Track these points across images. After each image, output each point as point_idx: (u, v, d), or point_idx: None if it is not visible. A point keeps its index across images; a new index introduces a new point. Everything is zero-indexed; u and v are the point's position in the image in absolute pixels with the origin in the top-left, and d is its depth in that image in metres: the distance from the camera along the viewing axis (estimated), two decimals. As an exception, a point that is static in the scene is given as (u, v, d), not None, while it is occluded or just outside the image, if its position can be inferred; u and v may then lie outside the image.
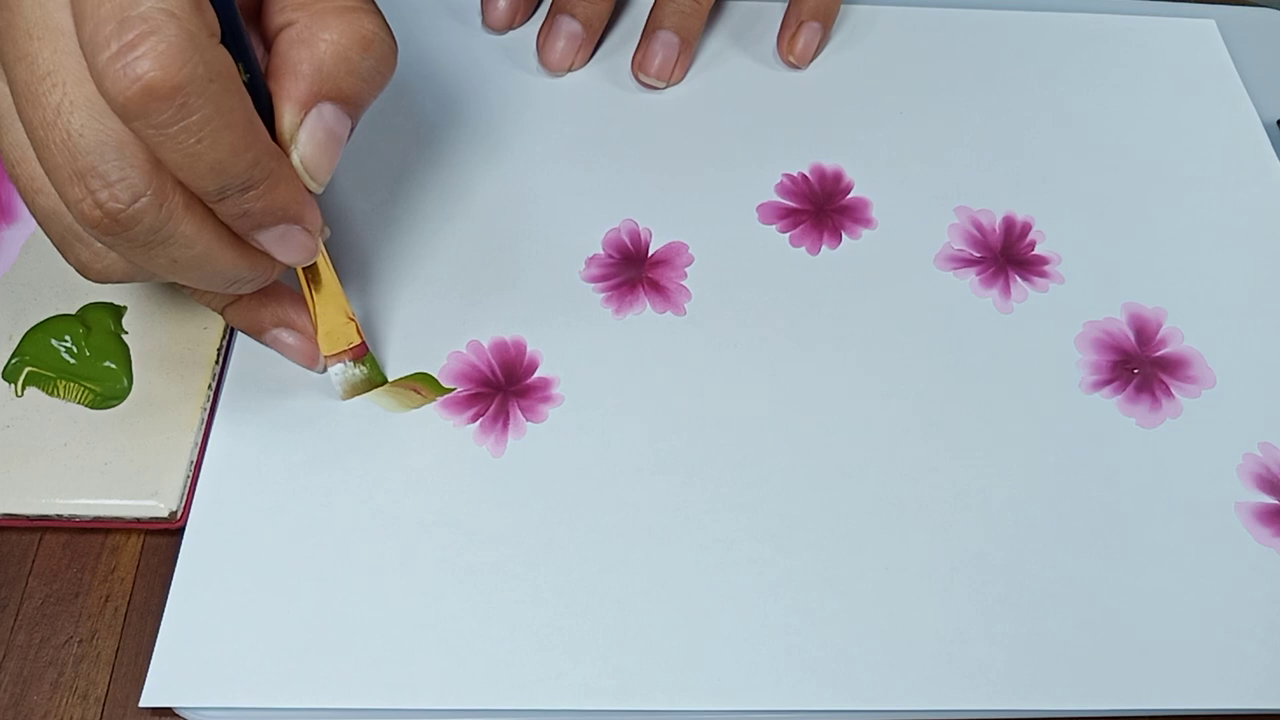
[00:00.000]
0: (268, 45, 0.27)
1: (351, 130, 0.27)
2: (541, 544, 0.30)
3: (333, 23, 0.26)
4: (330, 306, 0.31)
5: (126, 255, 0.25)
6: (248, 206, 0.25)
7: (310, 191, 0.27)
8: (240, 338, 0.33)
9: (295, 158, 0.26)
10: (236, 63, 0.24)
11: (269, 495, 0.30)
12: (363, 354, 0.32)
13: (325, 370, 0.32)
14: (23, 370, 0.32)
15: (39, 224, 0.26)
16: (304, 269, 0.30)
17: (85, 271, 0.26)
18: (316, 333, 0.31)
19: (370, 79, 0.27)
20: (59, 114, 0.23)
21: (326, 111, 0.26)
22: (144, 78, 0.22)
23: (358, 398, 0.32)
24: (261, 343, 0.32)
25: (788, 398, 0.33)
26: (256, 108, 0.24)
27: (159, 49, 0.22)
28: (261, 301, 0.31)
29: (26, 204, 0.26)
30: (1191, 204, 0.38)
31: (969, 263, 0.36)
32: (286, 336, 0.32)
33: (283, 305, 0.31)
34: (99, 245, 0.26)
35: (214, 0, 0.23)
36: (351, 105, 0.27)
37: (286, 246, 0.27)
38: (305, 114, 0.26)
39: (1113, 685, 0.28)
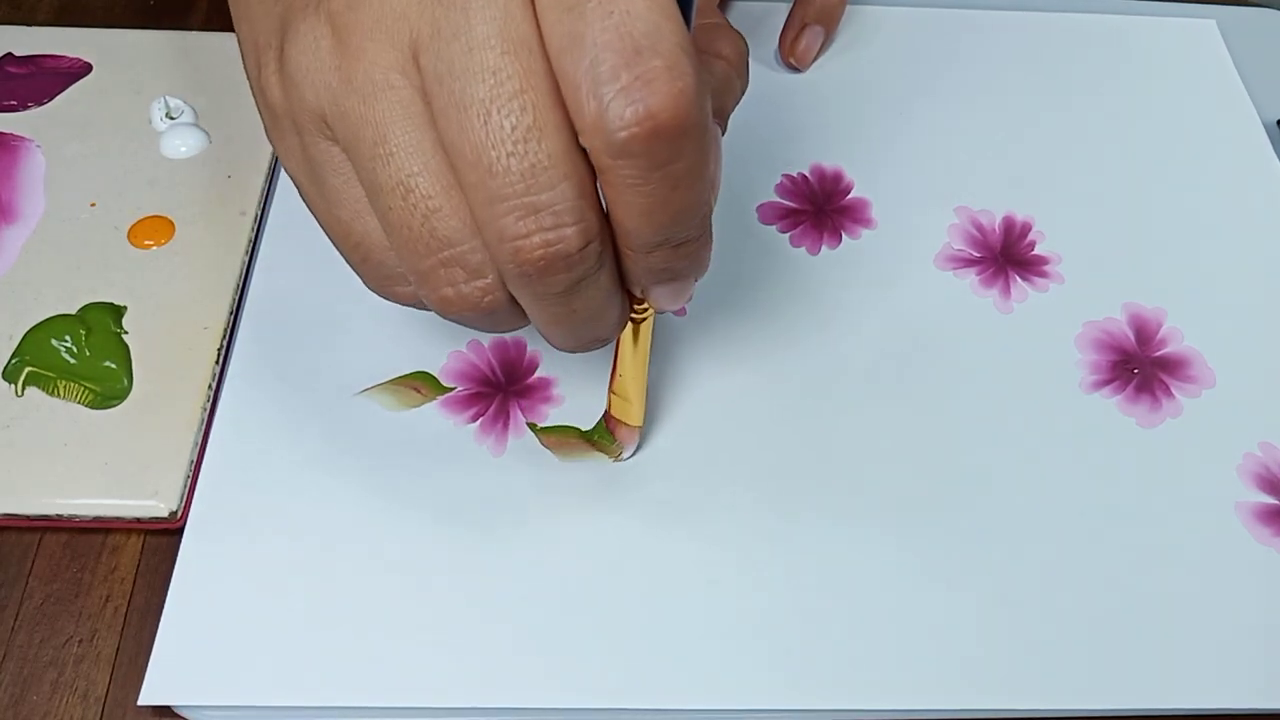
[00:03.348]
0: None
1: None
2: (541, 543, 0.30)
3: (724, 43, 0.25)
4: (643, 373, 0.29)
5: (530, 299, 0.23)
6: (670, 263, 0.23)
7: None
8: (240, 337, 0.33)
9: None
10: None
11: (269, 495, 0.30)
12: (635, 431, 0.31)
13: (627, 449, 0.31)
14: (23, 370, 0.32)
15: (403, 247, 0.23)
16: (644, 332, 0.28)
17: (454, 306, 0.23)
18: (632, 400, 0.29)
19: (737, 97, 0.26)
20: (527, 139, 0.20)
21: (715, 131, 0.24)
22: (657, 115, 0.20)
23: (358, 396, 0.32)
24: None
25: (787, 398, 0.33)
26: None
27: (677, 87, 0.20)
28: None
29: (397, 223, 0.22)
30: (1191, 204, 0.38)
31: (969, 263, 0.36)
32: None
33: None
34: (490, 280, 0.23)
35: None
36: (723, 122, 0.26)
37: (677, 296, 0.25)
38: None
39: (1112, 685, 0.28)
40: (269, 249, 0.35)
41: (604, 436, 0.30)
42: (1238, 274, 0.37)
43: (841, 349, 0.34)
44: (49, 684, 0.28)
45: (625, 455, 0.31)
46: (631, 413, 0.30)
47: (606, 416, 0.30)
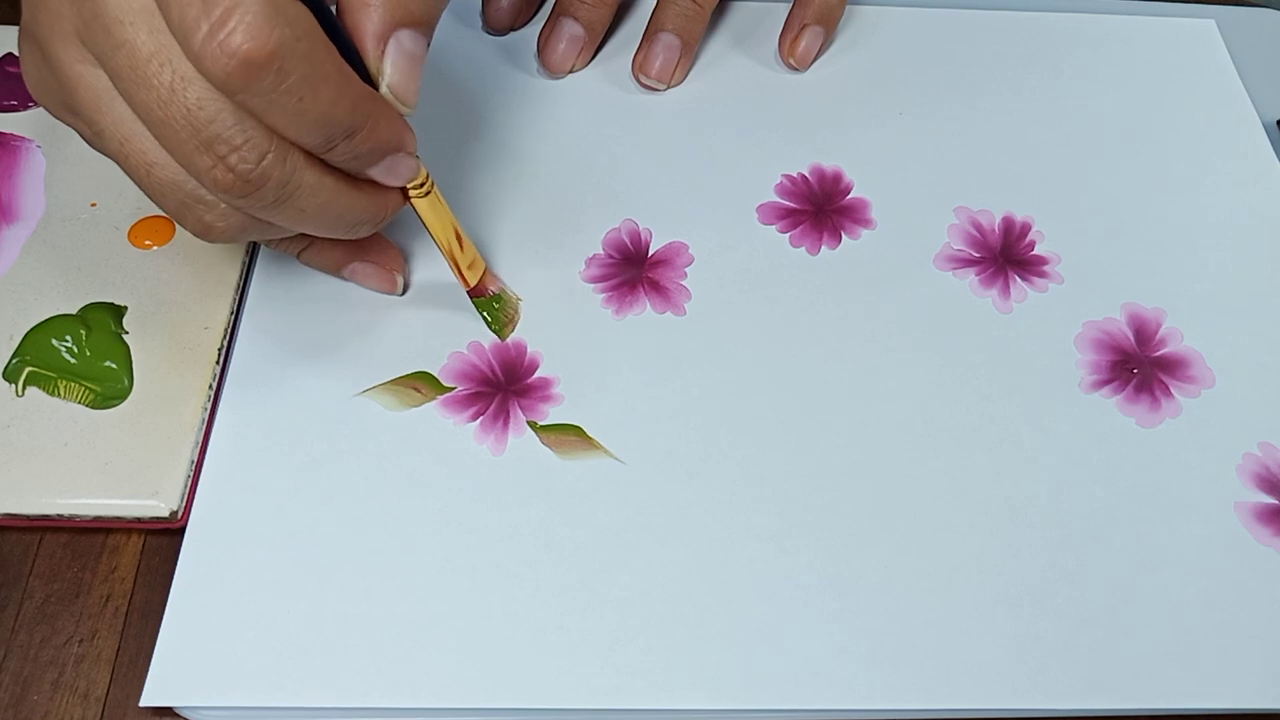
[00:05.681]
0: None
1: (427, 48, 0.28)
2: (541, 543, 0.30)
3: None
4: (465, 238, 0.32)
5: (257, 213, 0.26)
6: (356, 150, 0.26)
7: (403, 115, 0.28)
8: (241, 336, 0.33)
9: (384, 88, 0.27)
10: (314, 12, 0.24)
11: (270, 495, 0.30)
12: (492, 285, 0.34)
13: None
14: (23, 370, 0.32)
15: (153, 197, 0.26)
16: (425, 208, 0.31)
17: (209, 234, 0.27)
18: (460, 268, 0.32)
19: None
20: (174, 92, 0.23)
21: (404, 38, 0.27)
22: (239, 51, 0.22)
23: (358, 396, 0.32)
24: (339, 277, 0.34)
25: (787, 398, 0.33)
26: (338, 49, 0.25)
27: (246, 20, 0.22)
28: (334, 240, 0.32)
29: (138, 180, 0.26)
30: (1191, 204, 0.38)
31: (969, 263, 0.36)
32: (363, 268, 0.33)
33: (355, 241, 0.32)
34: (223, 207, 0.26)
35: None
36: (424, 26, 0.28)
37: (395, 173, 0.28)
38: (385, 45, 0.27)
39: (1112, 685, 0.28)
40: (269, 249, 0.35)
41: (490, 306, 0.33)
42: (1238, 274, 0.37)
43: (841, 349, 0.34)
44: (49, 684, 0.28)
45: (512, 291, 0.34)
46: (474, 270, 0.33)
47: (475, 290, 0.33)
